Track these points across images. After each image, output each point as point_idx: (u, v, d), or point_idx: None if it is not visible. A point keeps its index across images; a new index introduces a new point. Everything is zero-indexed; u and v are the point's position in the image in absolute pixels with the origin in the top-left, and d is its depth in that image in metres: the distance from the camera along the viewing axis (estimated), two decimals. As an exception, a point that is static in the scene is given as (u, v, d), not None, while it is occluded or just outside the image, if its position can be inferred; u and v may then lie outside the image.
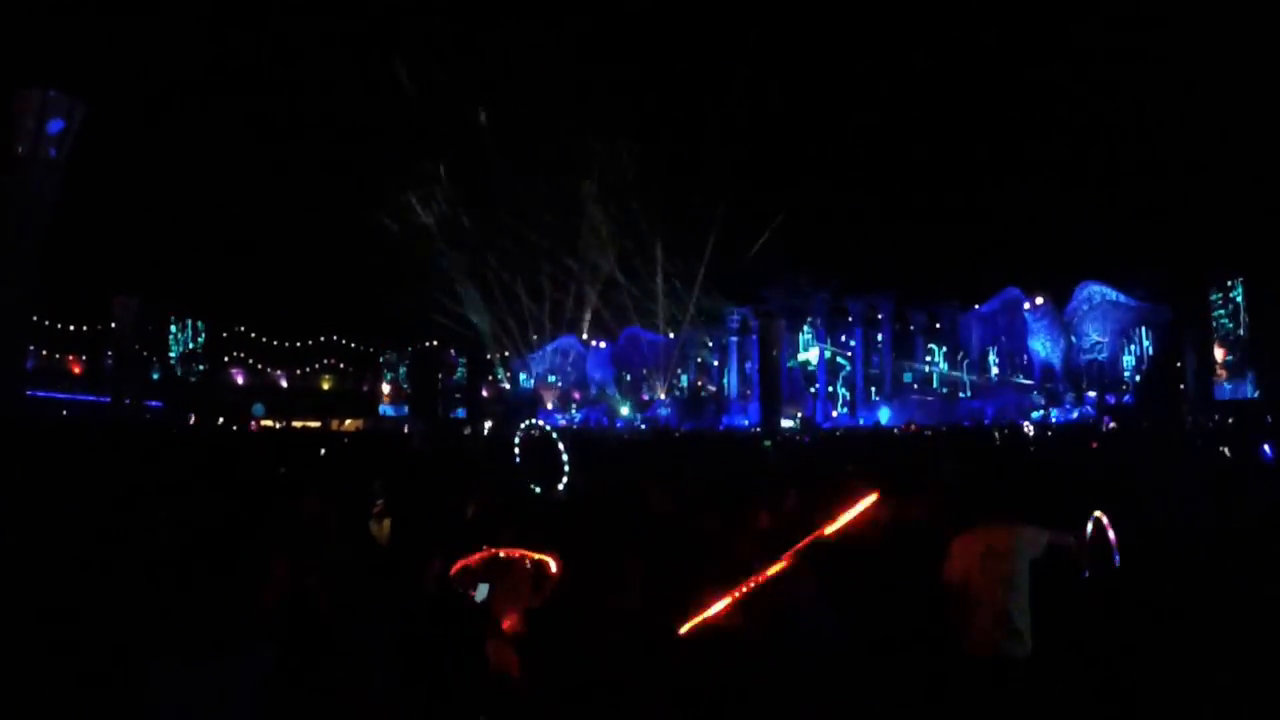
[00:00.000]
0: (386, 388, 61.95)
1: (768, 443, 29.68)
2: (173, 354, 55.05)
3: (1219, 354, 42.10)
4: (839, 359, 54.31)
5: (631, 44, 60.76)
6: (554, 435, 11.26)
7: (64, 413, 35.34)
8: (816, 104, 62.18)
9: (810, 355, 54.90)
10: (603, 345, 57.95)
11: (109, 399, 39.69)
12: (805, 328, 54.24)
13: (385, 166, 50.93)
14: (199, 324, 56.14)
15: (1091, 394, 45.89)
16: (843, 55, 61.71)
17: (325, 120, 52.53)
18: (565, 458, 10.28)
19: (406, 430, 35.16)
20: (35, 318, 39.03)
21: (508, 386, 59.22)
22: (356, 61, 51.47)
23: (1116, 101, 49.22)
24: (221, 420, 38.27)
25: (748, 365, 54.54)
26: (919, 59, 62.18)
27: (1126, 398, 45.37)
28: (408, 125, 50.12)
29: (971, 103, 55.66)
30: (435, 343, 59.82)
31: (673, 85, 60.76)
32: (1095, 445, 22.60)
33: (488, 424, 47.89)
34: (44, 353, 49.83)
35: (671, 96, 62.27)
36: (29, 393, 34.37)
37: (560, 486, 10.02)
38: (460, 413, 59.89)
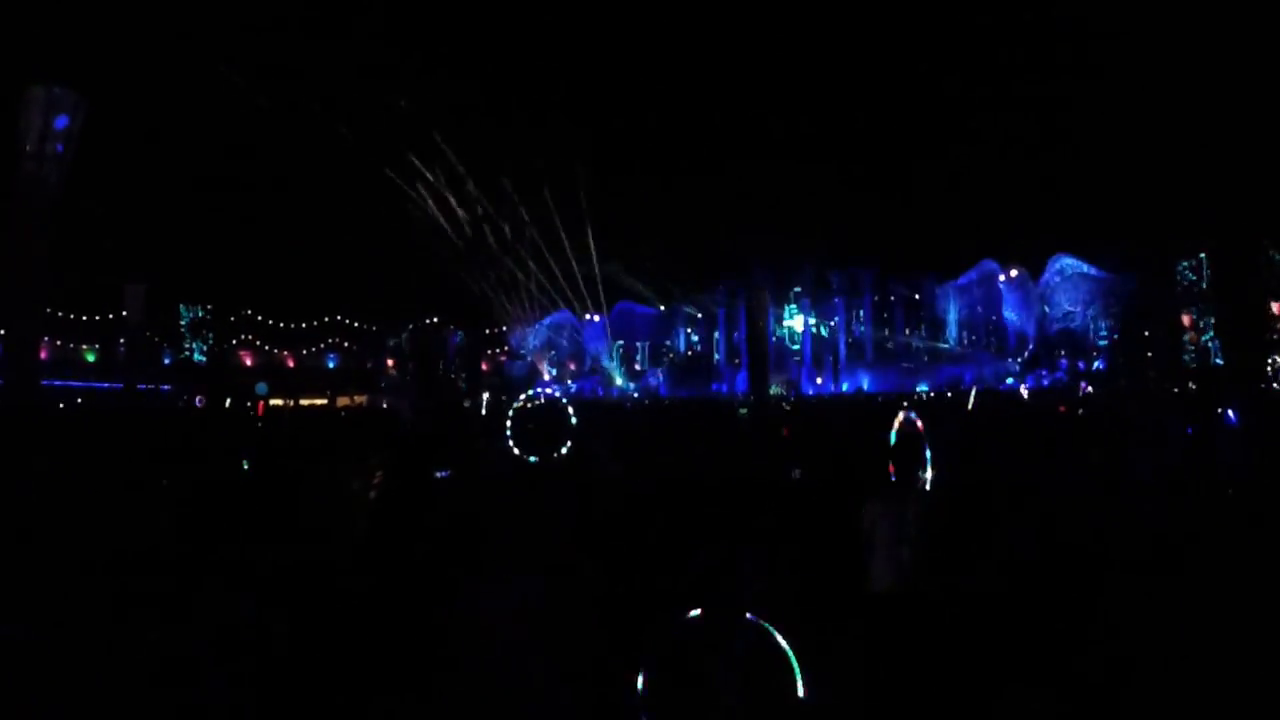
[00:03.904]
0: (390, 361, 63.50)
1: (743, 410, 30.96)
2: (189, 338, 57.04)
3: (1185, 323, 43.59)
4: (821, 329, 55.89)
5: (625, 22, 61.34)
6: (564, 403, 12.00)
7: (79, 400, 36.93)
8: (802, 83, 62.81)
9: (795, 324, 56.42)
10: (596, 319, 59.59)
11: (122, 385, 41.30)
12: (790, 298, 55.71)
13: (385, 149, 52.49)
14: (207, 309, 58.00)
15: (1064, 361, 47.47)
16: (827, 35, 62.23)
17: (324, 107, 53.71)
18: (574, 423, 10.44)
19: (388, 405, 36.14)
20: (48, 309, 40.60)
21: (505, 360, 60.92)
22: (354, 48, 52.64)
23: (1089, 81, 49.98)
24: (229, 401, 39.72)
25: (735, 335, 56.14)
26: (900, 38, 62.56)
27: (1098, 364, 46.83)
28: (407, 108, 51.27)
29: (950, 81, 56.31)
30: (435, 320, 61.43)
31: (659, 64, 61.46)
32: (1063, 409, 23.79)
33: (485, 396, 49.44)
34: (58, 343, 51.68)
35: (658, 74, 63.01)
36: (44, 382, 35.79)
37: (563, 452, 10.13)
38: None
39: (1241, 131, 41.22)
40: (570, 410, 10.80)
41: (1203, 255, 42.82)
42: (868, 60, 61.92)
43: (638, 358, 60.25)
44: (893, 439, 6.74)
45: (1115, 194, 44.50)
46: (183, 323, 57.04)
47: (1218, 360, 41.81)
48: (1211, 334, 42.88)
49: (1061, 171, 48.03)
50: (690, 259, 54.41)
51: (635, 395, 51.60)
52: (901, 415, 6.96)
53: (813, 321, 55.59)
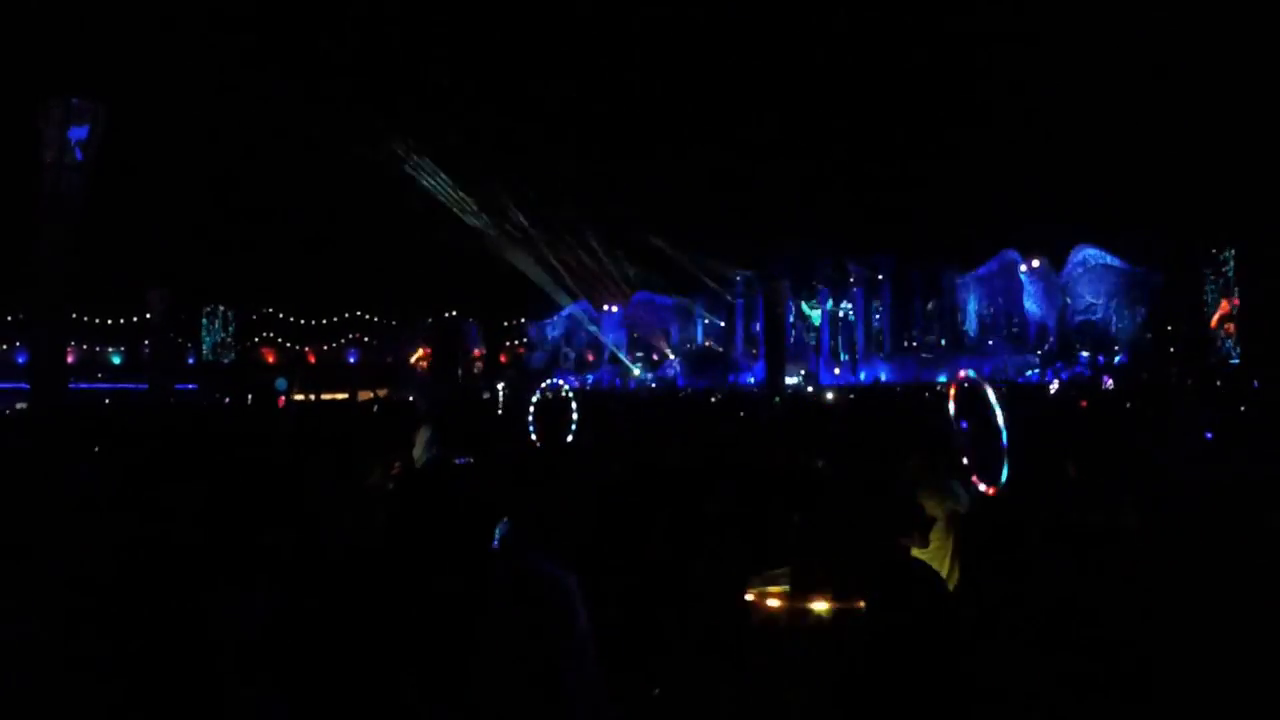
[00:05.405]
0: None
1: (777, 399, 31.04)
2: (205, 339, 57.83)
3: (1214, 319, 43.08)
4: (838, 319, 55.83)
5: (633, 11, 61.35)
6: (568, 394, 12.43)
7: (106, 401, 37.52)
8: (821, 69, 62.57)
9: (813, 314, 56.40)
10: (615, 310, 59.89)
11: (147, 386, 42.00)
12: (808, 289, 55.63)
13: (399, 139, 52.99)
14: (228, 309, 58.82)
15: (1085, 354, 46.89)
16: (841, 20, 61.97)
17: (339, 103, 54.27)
18: (576, 415, 10.87)
19: (407, 398, 36.56)
20: (74, 314, 41.27)
21: (524, 351, 61.39)
22: (366, 45, 53.12)
23: (1114, 67, 49.46)
24: (251, 399, 40.25)
25: (753, 325, 56.21)
26: (921, 20, 62.07)
27: (1119, 358, 46.14)
28: (419, 98, 51.77)
29: (970, 68, 55.95)
30: (455, 313, 61.93)
31: (678, 52, 61.52)
32: (1085, 404, 23.47)
33: (500, 386, 49.91)
34: (84, 346, 52.55)
35: (675, 62, 63.05)
36: (70, 384, 36.42)
37: (569, 439, 10.50)
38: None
39: (1272, 122, 40.54)
40: (573, 402, 11.12)
41: (1230, 248, 42.29)
42: (886, 44, 61.59)
43: (655, 348, 60.51)
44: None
45: (1142, 184, 43.85)
46: (205, 346, 57.93)
47: (1233, 361, 41.36)
48: (1231, 333, 42.39)
49: (1086, 159, 47.31)
50: (709, 249, 54.44)
51: (653, 385, 51.89)
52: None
53: (830, 310, 55.52)
